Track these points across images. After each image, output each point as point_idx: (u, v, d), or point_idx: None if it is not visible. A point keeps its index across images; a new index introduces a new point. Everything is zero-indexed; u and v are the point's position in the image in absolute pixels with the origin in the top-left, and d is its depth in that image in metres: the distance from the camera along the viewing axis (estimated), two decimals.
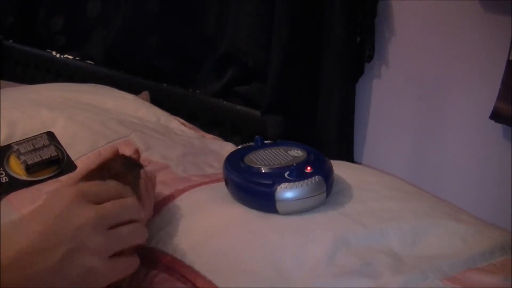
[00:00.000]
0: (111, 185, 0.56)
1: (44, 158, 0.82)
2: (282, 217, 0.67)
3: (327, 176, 0.70)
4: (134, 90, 1.30)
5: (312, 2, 1.06)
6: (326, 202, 0.70)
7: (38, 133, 0.86)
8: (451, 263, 0.60)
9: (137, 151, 0.72)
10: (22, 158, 0.81)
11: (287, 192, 0.67)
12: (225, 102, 1.25)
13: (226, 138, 1.17)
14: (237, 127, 1.22)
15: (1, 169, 0.80)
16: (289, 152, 0.75)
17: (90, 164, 0.66)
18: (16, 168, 0.81)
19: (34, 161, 0.81)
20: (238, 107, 1.22)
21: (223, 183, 0.74)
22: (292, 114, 1.12)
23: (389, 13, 1.03)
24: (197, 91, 1.32)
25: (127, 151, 0.74)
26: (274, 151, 0.76)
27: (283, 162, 0.72)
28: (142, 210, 0.57)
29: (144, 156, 0.91)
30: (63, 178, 0.65)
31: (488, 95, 0.89)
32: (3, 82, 1.42)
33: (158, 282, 0.61)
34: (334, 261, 0.60)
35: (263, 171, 0.71)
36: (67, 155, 0.86)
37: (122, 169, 0.66)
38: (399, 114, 1.07)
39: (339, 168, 0.77)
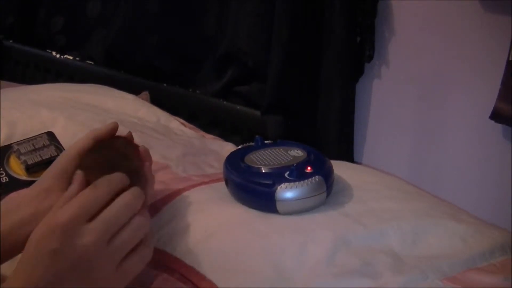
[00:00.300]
0: (102, 188, 0.53)
1: (44, 158, 0.82)
2: (282, 217, 0.67)
3: (327, 176, 0.70)
4: (134, 90, 1.30)
5: (312, 2, 1.06)
6: (326, 202, 0.70)
7: (38, 133, 0.86)
8: (451, 263, 0.61)
9: (130, 134, 0.69)
10: (22, 158, 0.81)
11: (287, 192, 0.67)
12: (225, 102, 1.25)
13: (226, 138, 1.17)
14: (237, 127, 1.22)
15: (1, 169, 0.80)
16: (289, 152, 0.75)
17: (85, 140, 0.62)
18: (16, 168, 0.81)
19: (34, 161, 0.81)
20: (238, 107, 1.22)
21: (223, 183, 0.74)
22: (292, 114, 1.12)
23: (389, 13, 1.03)
24: (197, 91, 1.32)
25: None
26: (274, 151, 0.76)
27: (283, 162, 0.72)
28: (142, 194, 0.55)
29: None
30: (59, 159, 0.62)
31: (488, 95, 0.89)
32: (3, 82, 1.42)
33: (158, 282, 0.61)
34: (334, 261, 0.60)
35: (263, 171, 0.71)
36: None
37: (127, 148, 0.63)
38: (399, 114, 1.07)
39: (339, 168, 0.77)
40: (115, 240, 0.51)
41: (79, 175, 0.56)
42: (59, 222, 0.50)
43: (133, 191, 0.54)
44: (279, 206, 0.67)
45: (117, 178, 0.55)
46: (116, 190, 0.54)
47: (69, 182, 0.59)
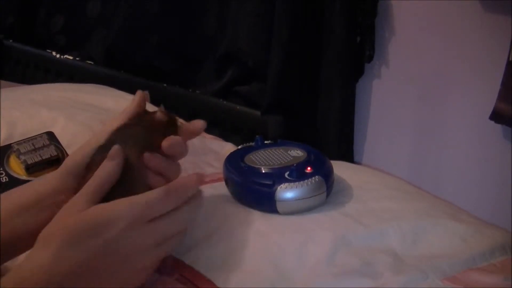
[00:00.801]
0: (174, 198, 0.53)
1: (44, 158, 0.82)
2: (282, 217, 0.67)
3: (327, 176, 0.70)
4: (134, 90, 1.29)
5: (312, 2, 1.06)
6: (326, 202, 0.70)
7: (38, 133, 0.86)
8: (451, 263, 0.61)
9: (161, 109, 0.65)
10: (22, 158, 0.81)
11: (287, 192, 0.67)
12: (225, 102, 1.25)
13: (226, 138, 1.17)
14: (237, 127, 1.22)
15: (1, 169, 0.80)
16: (289, 152, 0.75)
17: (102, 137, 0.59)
18: (16, 168, 0.81)
19: (34, 161, 0.81)
20: (238, 107, 1.22)
21: (223, 183, 0.74)
22: (292, 114, 1.12)
23: (389, 13, 1.03)
24: (197, 91, 1.32)
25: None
26: (274, 151, 0.76)
27: (283, 162, 0.72)
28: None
29: None
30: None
31: (488, 95, 0.89)
32: (3, 82, 1.42)
33: (157, 283, 0.61)
34: (334, 261, 0.60)
35: (263, 171, 0.71)
36: (67, 155, 0.86)
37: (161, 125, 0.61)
38: (399, 114, 1.07)
39: (339, 168, 0.77)
40: (162, 246, 0.53)
41: (117, 149, 0.54)
42: (124, 215, 0.50)
43: (198, 202, 0.55)
44: (279, 206, 0.67)
45: (192, 189, 0.55)
46: (186, 200, 0.54)
47: (77, 180, 0.57)
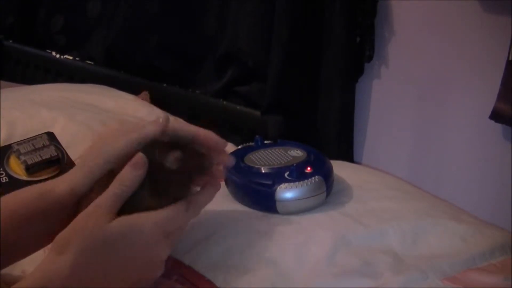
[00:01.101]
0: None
1: (44, 158, 0.82)
2: (282, 217, 0.67)
3: (327, 176, 0.70)
4: (134, 90, 1.30)
5: (312, 2, 1.06)
6: (326, 202, 0.70)
7: (38, 133, 0.86)
8: (451, 263, 0.61)
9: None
10: (22, 158, 0.81)
11: (287, 192, 0.67)
12: (225, 102, 1.25)
13: (226, 138, 1.16)
14: (237, 127, 1.22)
15: (1, 169, 0.80)
16: (289, 152, 0.75)
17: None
18: (16, 168, 0.81)
19: (34, 161, 0.81)
20: (238, 107, 1.22)
21: (223, 183, 0.74)
22: (292, 114, 1.12)
23: (389, 13, 1.03)
24: (197, 91, 1.32)
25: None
26: (274, 151, 0.76)
27: (283, 162, 0.72)
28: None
29: None
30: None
31: (488, 95, 0.89)
32: (3, 82, 1.42)
33: (156, 284, 0.61)
34: (334, 261, 0.60)
35: (263, 171, 0.71)
36: (67, 155, 0.86)
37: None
38: (399, 114, 1.07)
39: (339, 168, 0.77)
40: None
41: (141, 157, 0.53)
42: (147, 232, 0.51)
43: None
44: (279, 206, 0.67)
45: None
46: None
47: (80, 199, 0.56)
